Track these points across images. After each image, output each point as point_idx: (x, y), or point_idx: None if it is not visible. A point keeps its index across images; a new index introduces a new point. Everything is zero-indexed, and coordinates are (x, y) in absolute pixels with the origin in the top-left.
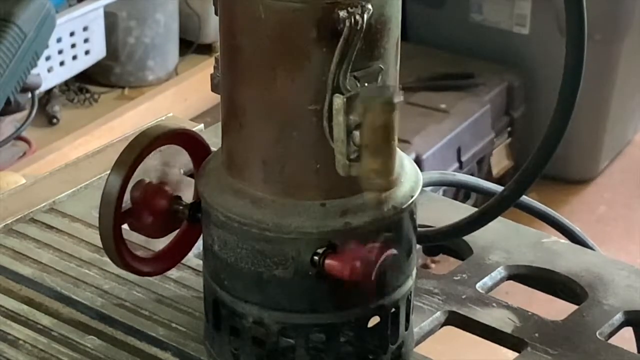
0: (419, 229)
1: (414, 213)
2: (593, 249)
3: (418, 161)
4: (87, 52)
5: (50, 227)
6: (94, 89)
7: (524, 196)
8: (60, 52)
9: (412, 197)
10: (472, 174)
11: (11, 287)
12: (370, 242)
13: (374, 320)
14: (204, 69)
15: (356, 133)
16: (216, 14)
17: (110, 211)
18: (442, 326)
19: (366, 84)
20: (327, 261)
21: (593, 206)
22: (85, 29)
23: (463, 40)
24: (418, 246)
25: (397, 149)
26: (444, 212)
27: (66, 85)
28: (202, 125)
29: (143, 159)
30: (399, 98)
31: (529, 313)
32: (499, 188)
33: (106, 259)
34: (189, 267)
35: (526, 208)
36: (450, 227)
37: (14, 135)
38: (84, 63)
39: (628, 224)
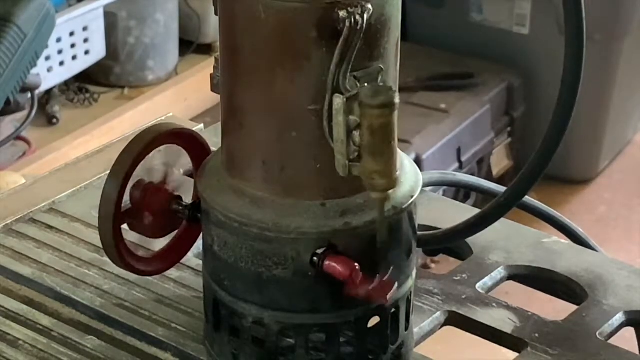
0: (418, 232)
1: (413, 213)
2: (595, 250)
3: (418, 161)
4: (87, 52)
5: (50, 227)
6: (93, 89)
7: (526, 197)
8: (60, 52)
9: (412, 197)
10: (472, 174)
11: (11, 287)
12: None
13: (374, 320)
14: (204, 69)
15: (356, 133)
16: (216, 14)
17: (110, 211)
18: (442, 326)
19: (366, 84)
20: (327, 262)
21: (593, 206)
22: (85, 29)
23: (463, 40)
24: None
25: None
26: (444, 212)
27: (66, 85)
28: (202, 125)
29: (142, 159)
30: (397, 99)
31: (529, 313)
32: (499, 188)
33: (106, 259)
34: (189, 267)
35: (528, 208)
36: (449, 230)
37: (14, 135)
38: (83, 63)
39: (628, 224)
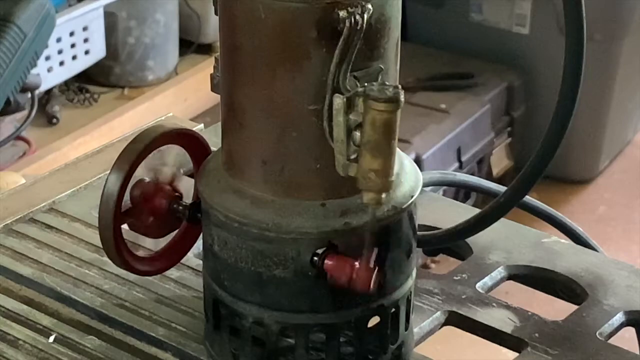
0: (418, 232)
1: (413, 213)
2: (595, 250)
3: (418, 161)
4: (86, 52)
5: (50, 227)
6: (93, 89)
7: (526, 196)
8: (60, 52)
9: (412, 197)
10: (472, 174)
11: (11, 287)
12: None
13: (374, 320)
14: (204, 69)
15: (356, 133)
16: (216, 14)
17: (110, 211)
18: (442, 326)
19: (366, 84)
20: (327, 261)
21: (593, 206)
22: (85, 29)
23: (463, 40)
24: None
25: (397, 149)
26: (444, 212)
27: (66, 85)
28: (202, 125)
29: (143, 159)
30: (403, 97)
31: (529, 313)
32: (500, 188)
33: (106, 259)
34: (189, 267)
35: (528, 208)
36: (449, 230)
37: (14, 135)
38: (83, 63)
39: (628, 224)
